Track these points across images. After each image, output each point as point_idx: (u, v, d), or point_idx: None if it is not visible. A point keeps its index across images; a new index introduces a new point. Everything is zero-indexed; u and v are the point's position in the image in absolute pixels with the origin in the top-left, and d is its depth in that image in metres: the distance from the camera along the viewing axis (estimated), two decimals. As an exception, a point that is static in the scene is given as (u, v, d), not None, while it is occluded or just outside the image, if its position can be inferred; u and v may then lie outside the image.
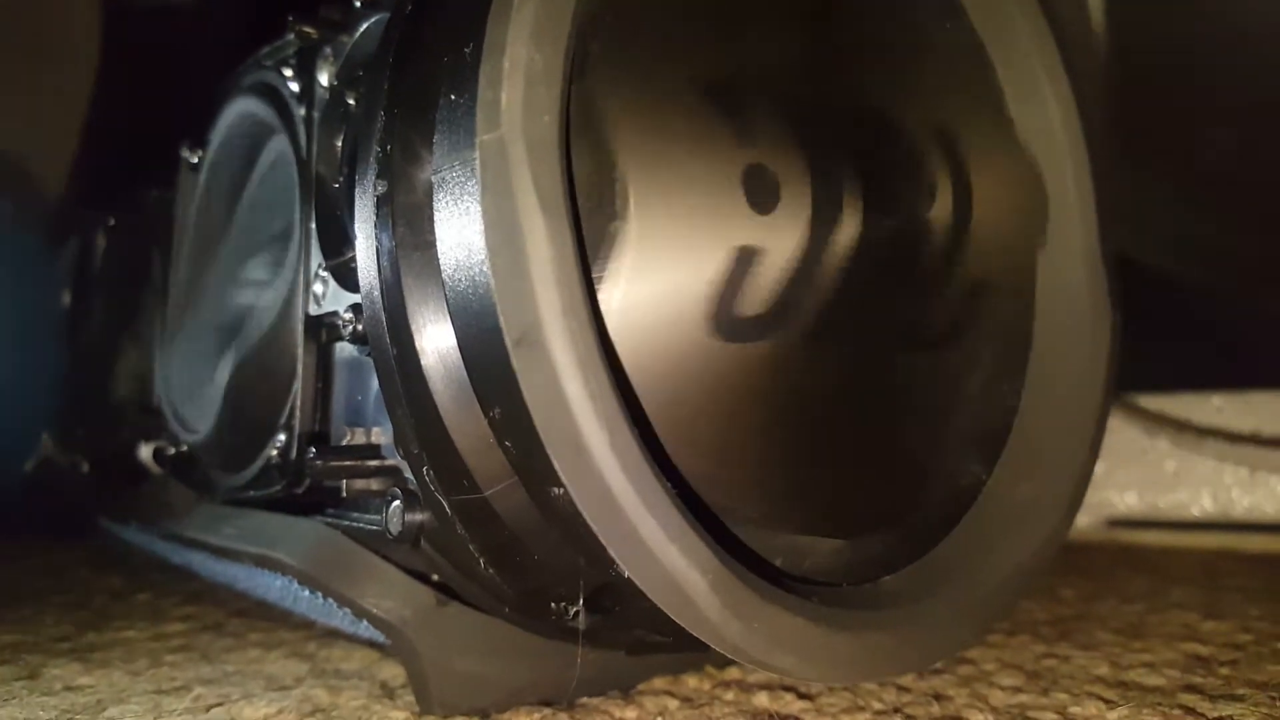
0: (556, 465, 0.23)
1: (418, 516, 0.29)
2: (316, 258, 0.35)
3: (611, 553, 0.24)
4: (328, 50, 0.37)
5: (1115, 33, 0.62)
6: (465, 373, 0.26)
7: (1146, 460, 0.75)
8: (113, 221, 0.60)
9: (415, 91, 0.27)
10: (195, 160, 0.47)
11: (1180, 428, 0.73)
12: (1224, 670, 0.38)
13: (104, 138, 0.74)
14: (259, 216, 0.43)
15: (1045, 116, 0.35)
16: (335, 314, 0.34)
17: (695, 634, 0.25)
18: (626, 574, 0.25)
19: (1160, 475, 0.75)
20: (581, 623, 0.28)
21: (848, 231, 0.29)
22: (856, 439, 0.31)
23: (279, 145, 0.38)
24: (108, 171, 0.69)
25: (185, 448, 0.45)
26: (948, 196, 0.32)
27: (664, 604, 0.24)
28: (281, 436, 0.36)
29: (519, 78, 0.23)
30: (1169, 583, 0.57)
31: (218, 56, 0.47)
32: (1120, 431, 0.74)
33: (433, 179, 0.25)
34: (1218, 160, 0.65)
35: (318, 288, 0.35)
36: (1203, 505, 0.74)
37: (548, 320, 0.22)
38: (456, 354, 0.26)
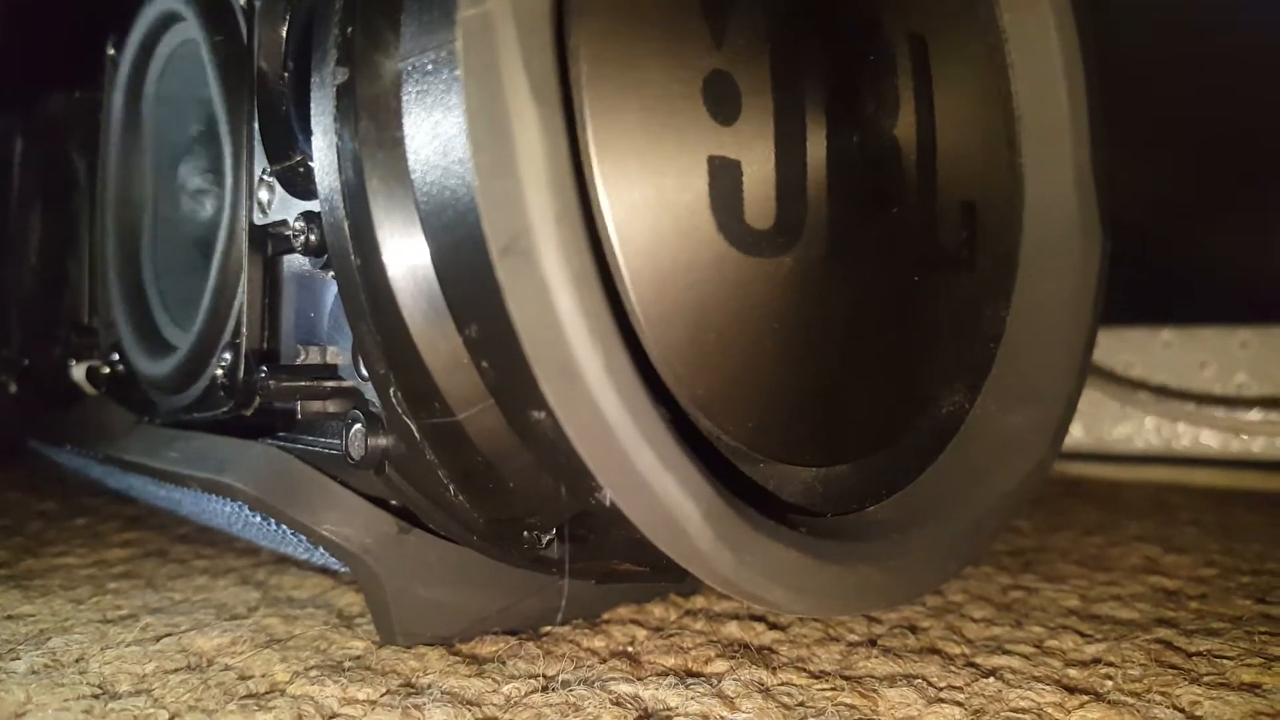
0: (543, 388, 0.21)
1: (381, 441, 0.27)
2: (260, 162, 0.32)
3: (600, 481, 0.22)
4: (271, -70, 0.33)
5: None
6: (438, 285, 0.23)
7: (1091, 394, 0.75)
8: (30, 126, 0.56)
9: (383, -31, 0.24)
10: (119, 59, 0.43)
11: (1111, 379, 0.74)
12: (1194, 604, 0.38)
13: (17, 36, 0.69)
14: (189, 117, 0.40)
15: (1039, 28, 0.34)
16: (284, 223, 0.31)
17: (684, 566, 0.23)
18: (608, 503, 0.23)
19: (1106, 409, 0.75)
20: (562, 552, 0.27)
21: (815, 144, 0.27)
22: (848, 364, 0.29)
23: (211, 37, 0.35)
24: (25, 75, 0.65)
25: (121, 367, 0.43)
26: (910, 110, 0.30)
27: (654, 535, 0.23)
28: (227, 355, 0.34)
29: (508, -54, 0.20)
30: (1123, 516, 0.57)
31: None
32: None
33: (401, 66, 0.22)
34: (1157, 102, 0.64)
35: (262, 194, 0.32)
36: (1147, 439, 0.75)
37: (539, 226, 0.20)
38: (429, 266, 0.23)
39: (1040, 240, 0.34)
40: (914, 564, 0.28)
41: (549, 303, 0.20)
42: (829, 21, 0.29)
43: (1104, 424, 0.76)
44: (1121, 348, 0.75)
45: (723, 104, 0.25)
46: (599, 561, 0.30)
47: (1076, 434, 0.76)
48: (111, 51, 0.44)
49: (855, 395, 0.30)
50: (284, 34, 0.33)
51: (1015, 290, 0.33)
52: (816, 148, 0.27)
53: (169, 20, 0.39)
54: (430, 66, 0.22)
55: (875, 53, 0.30)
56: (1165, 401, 0.72)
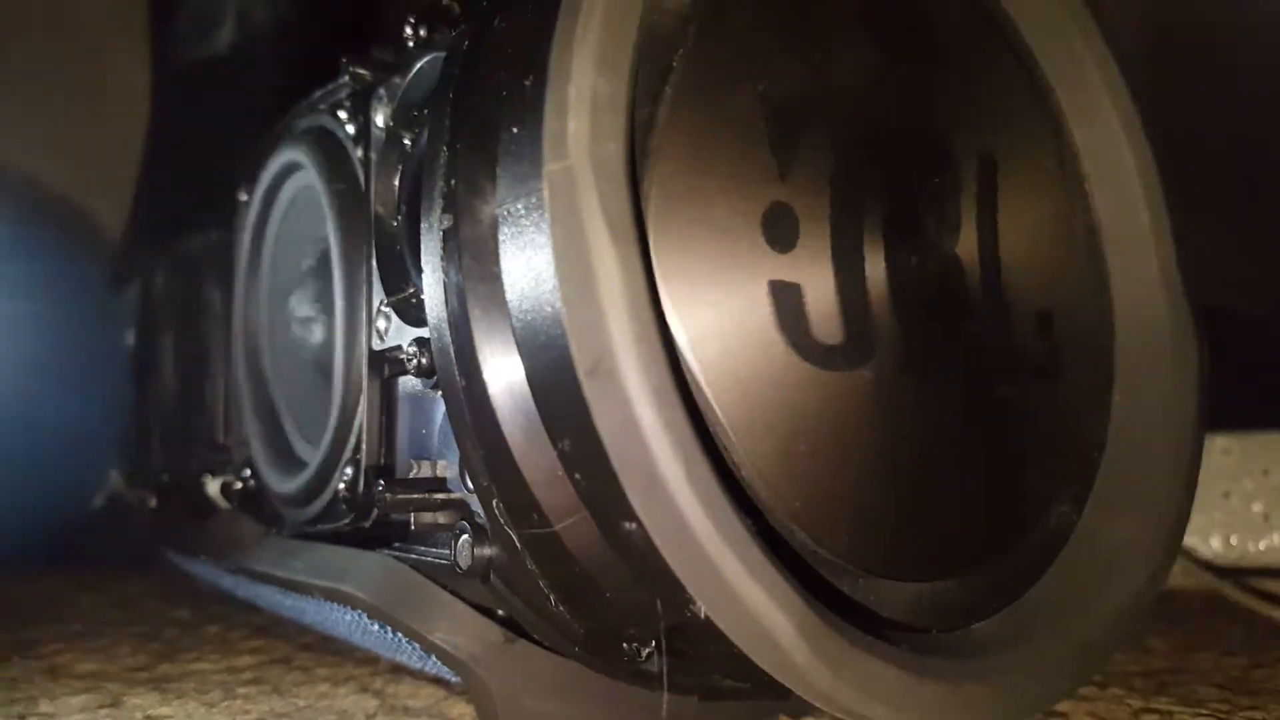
0: (630, 498, 0.22)
1: (487, 551, 0.29)
2: (379, 294, 0.35)
3: (690, 592, 0.23)
4: (382, 92, 0.37)
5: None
6: (533, 404, 0.25)
7: (1231, 504, 0.72)
8: (172, 261, 0.61)
9: (477, 126, 0.27)
10: (249, 202, 0.47)
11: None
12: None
13: (161, 182, 0.76)
14: (303, 254, 0.44)
15: (1111, 141, 0.34)
16: (398, 348, 0.33)
17: (781, 680, 0.23)
18: (703, 615, 0.24)
19: (1247, 519, 0.71)
20: (661, 665, 0.27)
21: (874, 263, 0.28)
22: (942, 477, 0.29)
23: (331, 187, 0.38)
24: (166, 215, 0.71)
25: (252, 482, 0.45)
26: (971, 228, 0.31)
27: (748, 648, 0.23)
28: (349, 470, 0.36)
29: (585, 106, 0.22)
30: (1270, 634, 0.54)
31: (270, 101, 0.48)
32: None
33: (498, 211, 0.25)
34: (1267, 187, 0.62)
35: (380, 323, 0.35)
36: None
37: (620, 348, 0.21)
38: (525, 386, 0.25)
39: (1134, 347, 0.33)
40: (1022, 682, 0.28)
41: (632, 417, 0.21)
42: (898, 146, 0.30)
43: (1246, 535, 0.72)
44: (1255, 448, 0.71)
45: (781, 232, 0.27)
46: (699, 677, 0.30)
47: (1216, 546, 0.72)
48: (243, 196, 0.48)
49: (953, 508, 0.30)
50: (397, 183, 0.36)
51: (1115, 399, 0.33)
52: (875, 267, 0.28)
53: (291, 169, 0.43)
54: (522, 211, 0.24)
55: (942, 175, 0.31)
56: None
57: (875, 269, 0.28)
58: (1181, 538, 0.32)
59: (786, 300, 0.26)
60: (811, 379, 0.26)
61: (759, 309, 0.26)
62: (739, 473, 0.25)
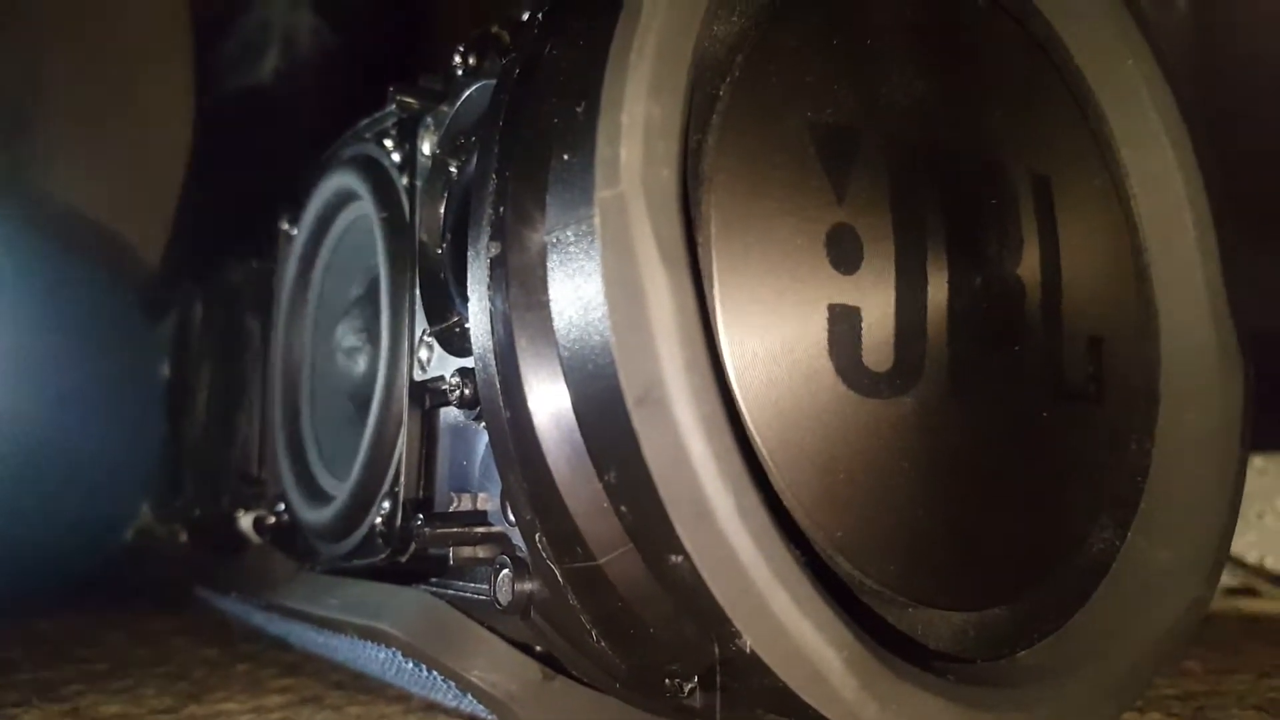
0: (678, 530, 0.22)
1: (527, 585, 0.28)
2: (421, 323, 0.35)
3: (737, 625, 0.23)
4: (429, 120, 0.37)
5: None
6: (580, 435, 0.25)
7: (1264, 524, 0.71)
8: (210, 291, 0.62)
9: (526, 153, 0.27)
10: (294, 232, 0.48)
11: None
12: (1392, 755, 0.35)
13: (200, 212, 0.76)
14: (351, 283, 0.44)
15: (1162, 162, 0.34)
16: (441, 378, 0.33)
17: (827, 715, 0.23)
18: (749, 649, 0.23)
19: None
20: (706, 701, 0.27)
21: (937, 287, 0.28)
22: (987, 503, 0.29)
23: (378, 215, 0.39)
24: (205, 245, 0.71)
25: (286, 517, 0.45)
26: (1034, 250, 0.31)
27: (794, 682, 0.23)
28: (386, 504, 0.36)
29: (638, 133, 0.22)
30: (1306, 656, 0.53)
31: (310, 130, 0.48)
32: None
33: (546, 239, 0.25)
34: None
35: (422, 353, 0.35)
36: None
37: (670, 377, 0.21)
38: (571, 416, 0.25)
39: (1180, 372, 0.33)
40: (1068, 711, 0.27)
41: (682, 447, 0.21)
42: (951, 167, 0.30)
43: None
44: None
45: (846, 254, 0.27)
46: (744, 711, 0.30)
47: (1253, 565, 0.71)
48: (285, 226, 0.49)
49: (999, 536, 0.30)
50: (442, 211, 0.36)
51: (1159, 424, 0.33)
52: (938, 291, 0.28)
53: (338, 197, 0.43)
54: (572, 239, 0.24)
55: (998, 195, 0.31)
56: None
57: (938, 290, 0.28)
58: (1224, 563, 0.32)
59: (843, 324, 0.26)
60: (854, 406, 0.26)
61: (813, 333, 0.26)
62: (784, 502, 0.25)
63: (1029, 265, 0.31)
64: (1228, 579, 0.70)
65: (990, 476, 0.29)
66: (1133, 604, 0.31)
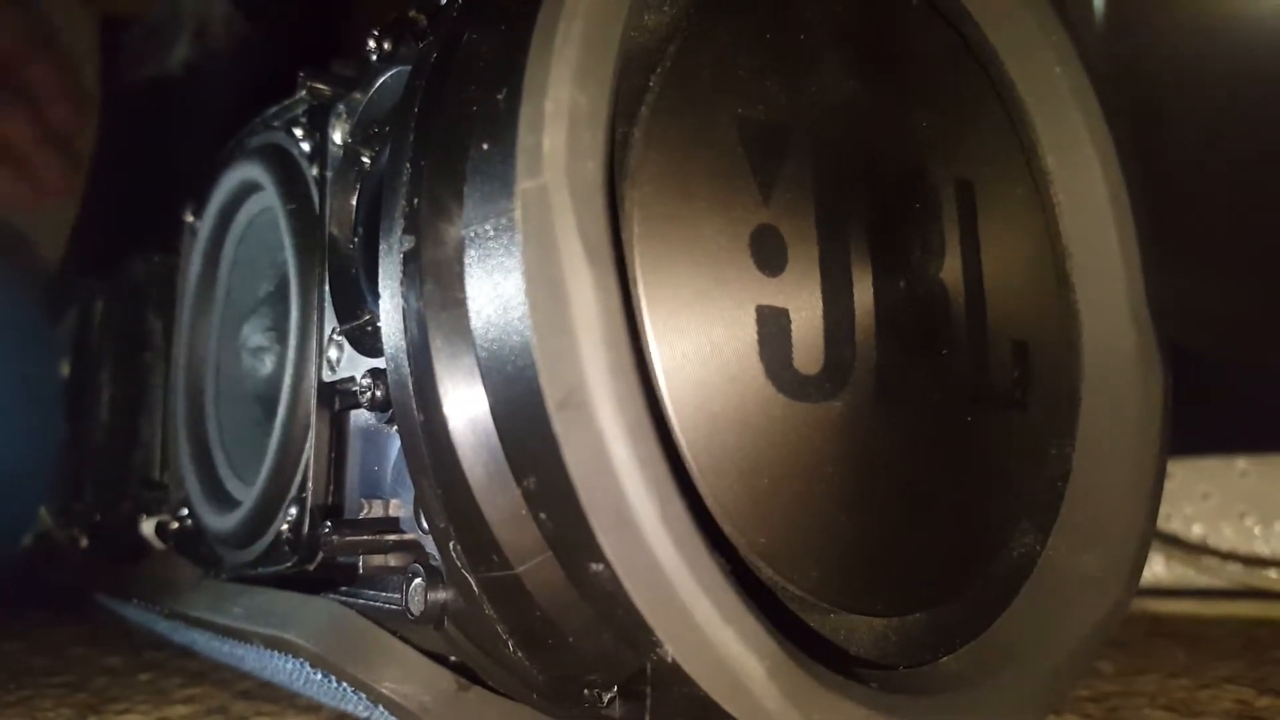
0: (599, 538, 0.21)
1: (441, 595, 0.27)
2: (330, 322, 0.34)
3: (658, 635, 0.22)
4: (341, 108, 0.35)
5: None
6: (497, 439, 0.24)
7: (1172, 527, 0.73)
8: (110, 288, 0.59)
9: (443, 142, 0.26)
10: (198, 225, 0.46)
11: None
12: (1297, 753, 0.35)
13: (104, 205, 0.73)
14: (259, 279, 0.42)
15: (1085, 170, 0.34)
16: (351, 379, 0.32)
17: (746, 724, 0.23)
18: (670, 658, 0.23)
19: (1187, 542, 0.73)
20: (624, 711, 0.26)
21: (862, 290, 0.28)
22: (911, 509, 0.29)
23: (285, 207, 0.37)
24: (107, 239, 0.68)
25: (190, 522, 0.43)
26: (955, 254, 0.31)
27: (716, 692, 0.22)
28: (293, 510, 0.35)
29: (563, 121, 0.21)
30: (1211, 656, 0.54)
31: (219, 120, 0.46)
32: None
33: (464, 233, 0.23)
34: (1205, 213, 0.64)
35: (332, 353, 0.33)
36: (1230, 574, 0.72)
37: (594, 380, 0.20)
38: (488, 419, 0.24)
39: (1100, 377, 0.33)
40: (989, 718, 0.27)
41: (604, 453, 0.20)
42: (877, 170, 0.30)
43: (1186, 558, 0.73)
44: (1198, 478, 0.73)
45: (769, 256, 0.26)
46: (661, 720, 0.29)
47: (1158, 569, 0.73)
48: (190, 219, 0.46)
49: (921, 540, 0.29)
50: (354, 203, 0.34)
51: (1079, 428, 0.33)
52: (863, 294, 0.28)
53: (252, 189, 0.42)
54: (491, 233, 0.23)
55: (922, 200, 0.31)
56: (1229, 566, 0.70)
57: (863, 294, 0.28)
58: (1143, 567, 0.32)
59: (772, 326, 0.26)
60: (783, 411, 0.26)
61: (743, 335, 0.25)
62: (706, 508, 0.24)
63: (952, 270, 0.31)
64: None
65: (915, 481, 0.29)
66: (1053, 609, 0.31)
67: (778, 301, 0.26)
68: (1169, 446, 0.33)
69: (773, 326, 0.26)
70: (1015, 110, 0.34)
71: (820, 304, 0.27)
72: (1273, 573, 0.70)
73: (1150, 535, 0.32)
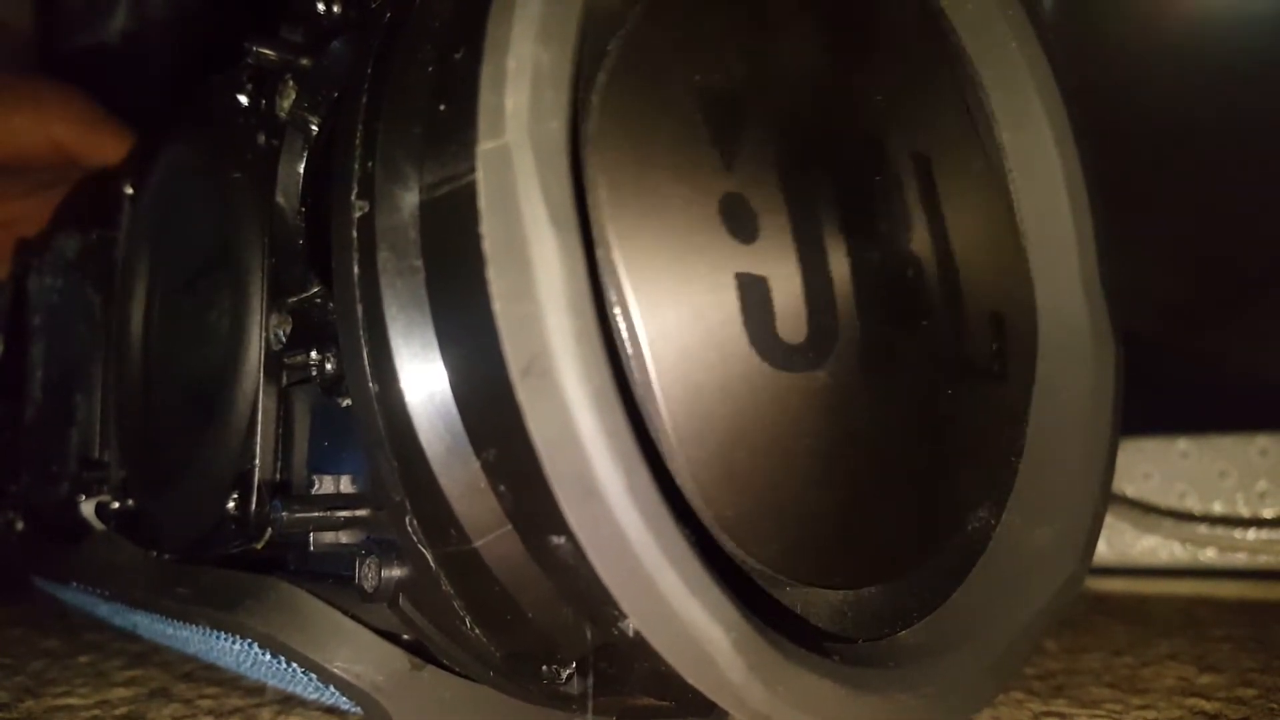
0: (564, 509, 0.21)
1: (395, 572, 0.27)
2: (277, 293, 0.33)
3: (623, 607, 0.21)
4: (288, 74, 0.34)
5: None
6: (456, 411, 0.23)
7: (1114, 506, 0.74)
8: (47, 264, 0.57)
9: (398, 104, 0.25)
10: (137, 196, 0.44)
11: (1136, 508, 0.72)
12: (1238, 727, 0.36)
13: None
14: (202, 253, 0.41)
15: (1038, 144, 0.34)
16: (298, 353, 0.31)
17: (713, 698, 0.22)
18: (631, 633, 0.22)
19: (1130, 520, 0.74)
20: (583, 687, 0.26)
21: (838, 260, 0.28)
22: (876, 482, 0.29)
23: (230, 176, 0.36)
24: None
25: (131, 502, 0.42)
26: (923, 226, 0.31)
27: (680, 665, 0.22)
28: (240, 487, 0.34)
29: (526, 79, 0.20)
30: (1154, 633, 0.56)
31: (159, 91, 0.45)
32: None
33: (421, 198, 0.23)
34: (1145, 196, 0.65)
35: (279, 325, 0.32)
36: (1172, 552, 0.73)
37: (559, 347, 0.20)
38: (447, 390, 0.23)
39: (1054, 354, 0.33)
40: (951, 690, 0.27)
41: (570, 421, 0.20)
42: (834, 145, 0.29)
43: (1127, 537, 0.74)
44: (1140, 459, 0.74)
45: (741, 224, 0.26)
46: (621, 697, 0.29)
47: (1100, 548, 0.74)
48: (129, 190, 0.45)
49: (885, 514, 0.29)
50: (301, 170, 0.33)
51: (1033, 404, 0.33)
52: (839, 264, 0.28)
53: (191, 159, 0.40)
54: (450, 197, 0.22)
55: (882, 172, 0.30)
56: (1184, 525, 0.71)
57: (839, 263, 0.27)
58: (1096, 542, 0.32)
59: (754, 294, 0.25)
60: (767, 381, 0.25)
61: (725, 302, 0.25)
62: (678, 480, 0.23)
63: (922, 242, 0.30)
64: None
65: (887, 454, 0.29)
66: (1008, 583, 0.31)
67: (755, 269, 0.25)
68: (1121, 422, 0.33)
69: (754, 294, 0.25)
70: (972, 85, 0.34)
71: (799, 272, 0.26)
72: (1211, 551, 0.71)
73: (1104, 510, 0.33)
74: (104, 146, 0.66)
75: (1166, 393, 0.70)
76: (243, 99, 0.36)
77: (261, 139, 0.35)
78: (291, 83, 0.34)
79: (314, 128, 0.33)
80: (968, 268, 0.31)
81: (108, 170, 0.50)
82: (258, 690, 0.42)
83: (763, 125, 0.27)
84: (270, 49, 0.35)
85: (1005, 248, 0.33)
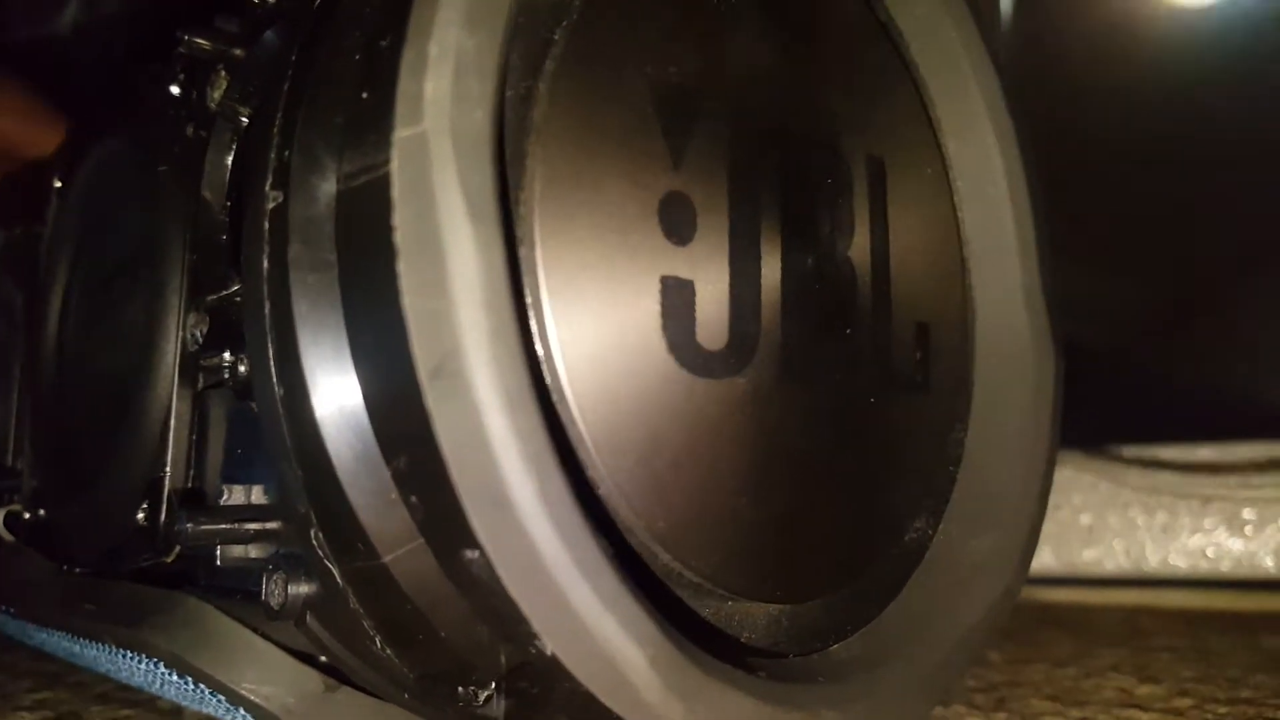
0: (472, 521, 0.19)
1: (303, 589, 0.25)
2: (196, 291, 0.31)
3: (534, 625, 0.20)
4: (221, 65, 0.33)
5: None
6: (366, 416, 0.22)
7: (1060, 517, 0.74)
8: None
9: (321, 91, 0.24)
10: (65, 191, 0.42)
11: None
12: (1172, 738, 0.36)
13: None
14: (126, 248, 0.39)
15: (983, 154, 0.34)
16: (215, 354, 0.29)
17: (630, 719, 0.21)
18: (549, 651, 0.21)
19: (1075, 531, 0.74)
20: (501, 709, 0.24)
21: (771, 265, 0.27)
22: (810, 492, 0.28)
23: (155, 170, 0.34)
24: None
25: (43, 513, 0.40)
26: (865, 232, 0.30)
27: (595, 685, 0.21)
28: (151, 497, 0.32)
29: (447, 66, 0.19)
30: (1096, 643, 0.55)
31: (97, 81, 0.43)
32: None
33: (339, 188, 0.22)
34: (1092, 207, 0.66)
35: (195, 326, 0.31)
36: (1117, 561, 0.74)
37: (470, 347, 0.18)
38: (357, 394, 0.22)
39: (994, 364, 0.33)
40: (881, 706, 0.26)
41: (480, 426, 0.19)
42: (789, 141, 0.29)
43: (1072, 547, 0.74)
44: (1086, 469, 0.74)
45: (678, 224, 0.25)
46: (544, 718, 0.27)
47: (1047, 558, 0.74)
48: (57, 184, 0.43)
49: (820, 525, 0.29)
50: (229, 163, 0.32)
51: (972, 414, 0.33)
52: (771, 268, 0.27)
53: (123, 151, 0.39)
54: (366, 186, 0.21)
55: (833, 175, 0.30)
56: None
57: (771, 269, 0.27)
58: (1033, 553, 0.32)
59: (676, 298, 0.24)
60: (686, 387, 0.24)
61: (645, 305, 0.24)
62: (598, 490, 0.22)
63: (861, 248, 0.30)
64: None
65: (816, 464, 0.28)
66: (945, 595, 0.30)
67: (684, 272, 0.25)
68: (1060, 433, 0.33)
69: (677, 298, 0.25)
70: (921, 93, 0.34)
71: (727, 277, 0.26)
72: (1155, 560, 0.72)
73: (1041, 521, 0.32)
74: (41, 140, 0.64)
75: (1114, 403, 0.71)
76: (174, 90, 0.35)
77: (190, 131, 0.33)
78: (224, 73, 0.33)
79: (244, 119, 0.32)
80: (902, 277, 0.31)
81: (38, 163, 0.48)
82: (175, 711, 0.40)
83: (716, 121, 0.26)
84: (203, 38, 0.33)
85: (945, 257, 0.33)
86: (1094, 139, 0.68)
